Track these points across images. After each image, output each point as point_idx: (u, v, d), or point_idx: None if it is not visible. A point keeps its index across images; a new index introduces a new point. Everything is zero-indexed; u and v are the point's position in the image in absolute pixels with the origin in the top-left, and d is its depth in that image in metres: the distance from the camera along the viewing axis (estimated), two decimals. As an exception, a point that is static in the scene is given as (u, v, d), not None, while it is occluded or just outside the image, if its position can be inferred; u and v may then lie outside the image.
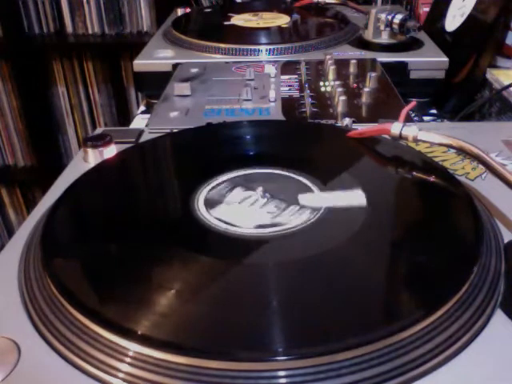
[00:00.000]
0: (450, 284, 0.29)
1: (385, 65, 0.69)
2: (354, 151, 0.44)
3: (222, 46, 0.73)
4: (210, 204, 0.37)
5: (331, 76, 0.64)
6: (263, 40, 0.80)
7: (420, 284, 0.29)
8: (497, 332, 0.28)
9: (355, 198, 0.37)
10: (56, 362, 0.26)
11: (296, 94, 0.61)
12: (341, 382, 0.24)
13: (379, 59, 0.70)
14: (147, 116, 0.64)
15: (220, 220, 0.35)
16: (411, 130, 0.41)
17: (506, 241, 0.34)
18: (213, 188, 0.39)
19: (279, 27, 0.84)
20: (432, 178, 0.40)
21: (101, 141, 0.46)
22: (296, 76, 0.66)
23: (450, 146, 0.40)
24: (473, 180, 0.42)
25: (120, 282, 0.30)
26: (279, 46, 0.74)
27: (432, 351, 0.26)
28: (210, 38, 0.76)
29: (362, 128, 0.46)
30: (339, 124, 0.52)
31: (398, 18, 0.73)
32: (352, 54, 0.73)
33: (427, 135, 0.40)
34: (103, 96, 1.44)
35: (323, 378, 0.24)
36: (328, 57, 0.68)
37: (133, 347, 0.25)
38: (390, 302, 0.29)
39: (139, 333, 0.26)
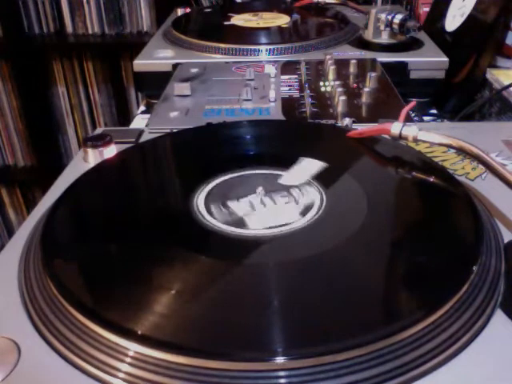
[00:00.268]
0: (450, 284, 0.29)
1: (385, 65, 0.69)
2: (353, 151, 0.44)
3: (222, 45, 0.73)
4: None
5: (331, 76, 0.64)
6: (263, 40, 0.80)
7: (420, 284, 0.29)
8: (497, 332, 0.28)
9: (312, 164, 0.40)
10: (56, 362, 0.26)
11: (296, 94, 0.61)
12: (341, 382, 0.24)
13: (379, 59, 0.70)
14: (147, 116, 0.64)
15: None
16: (411, 130, 0.41)
17: (506, 241, 0.34)
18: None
19: (279, 27, 0.83)
20: (432, 178, 0.40)
21: (101, 141, 0.46)
22: (296, 76, 0.66)
23: (449, 146, 0.40)
24: (473, 180, 0.42)
25: (120, 282, 0.30)
26: (279, 46, 0.74)
27: (432, 351, 0.26)
28: (209, 37, 0.76)
29: (361, 128, 0.46)
30: (339, 124, 0.52)
31: (398, 17, 0.73)
32: (352, 54, 0.73)
33: (427, 135, 0.40)
34: (103, 96, 1.44)
35: (323, 378, 0.24)
36: (328, 57, 0.68)
37: (133, 347, 0.25)
38: (390, 302, 0.29)
39: (139, 333, 0.26)
